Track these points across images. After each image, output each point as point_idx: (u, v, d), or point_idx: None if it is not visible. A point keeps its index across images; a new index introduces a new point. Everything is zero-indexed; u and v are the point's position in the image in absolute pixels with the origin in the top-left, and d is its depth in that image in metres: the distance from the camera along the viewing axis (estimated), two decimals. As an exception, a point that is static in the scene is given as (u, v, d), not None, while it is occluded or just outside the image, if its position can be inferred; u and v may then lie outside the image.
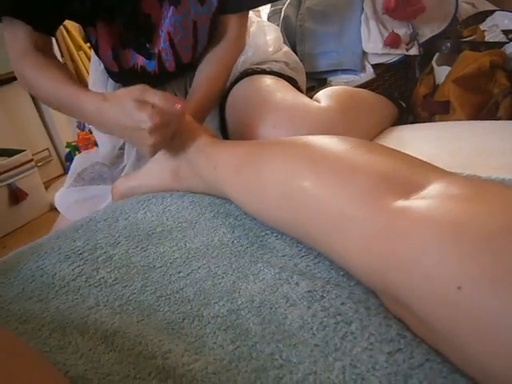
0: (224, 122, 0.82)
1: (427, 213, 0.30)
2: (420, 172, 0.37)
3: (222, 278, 0.41)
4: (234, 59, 0.81)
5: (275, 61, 0.83)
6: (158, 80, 0.82)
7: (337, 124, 0.67)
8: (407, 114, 0.87)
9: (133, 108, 0.55)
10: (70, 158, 2.22)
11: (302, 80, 0.87)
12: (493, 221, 0.27)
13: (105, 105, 0.59)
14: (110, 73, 0.86)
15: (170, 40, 0.76)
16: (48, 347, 0.34)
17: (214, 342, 0.33)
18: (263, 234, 0.48)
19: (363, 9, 1.00)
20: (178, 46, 0.77)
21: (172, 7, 0.72)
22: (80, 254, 0.48)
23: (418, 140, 0.66)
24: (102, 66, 0.86)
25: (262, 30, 0.85)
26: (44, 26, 0.69)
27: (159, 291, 0.40)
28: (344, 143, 0.43)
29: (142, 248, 0.48)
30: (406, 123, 0.83)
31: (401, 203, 0.33)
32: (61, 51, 2.13)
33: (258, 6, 0.84)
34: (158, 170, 0.65)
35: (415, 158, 0.40)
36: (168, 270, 0.43)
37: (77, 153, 2.11)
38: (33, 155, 2.01)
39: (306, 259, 0.42)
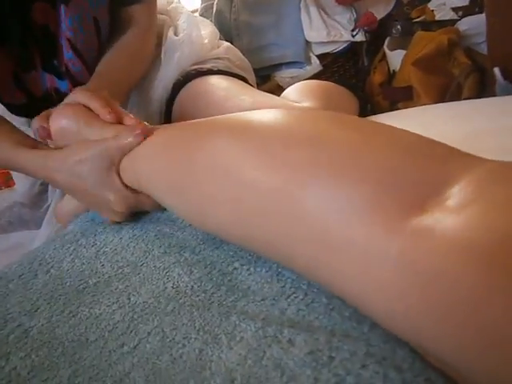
0: None
1: (459, 236, 0.20)
2: (437, 160, 0.26)
3: (184, 346, 0.29)
4: (144, 48, 0.69)
5: (218, 58, 0.72)
6: None
7: None
8: (365, 104, 0.80)
9: (100, 183, 0.45)
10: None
11: (251, 78, 0.77)
12: None
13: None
14: (13, 108, 0.71)
15: (73, 47, 0.63)
16: None
17: None
18: (231, 269, 0.37)
19: (302, -6, 0.92)
20: (83, 50, 0.64)
21: (63, 6, 0.59)
22: (-17, 333, 0.35)
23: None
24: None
25: (195, 24, 0.74)
26: None
27: (95, 382, 0.28)
28: (325, 119, 0.32)
29: (70, 312, 0.36)
30: (365, 113, 0.75)
31: (416, 221, 0.22)
32: None
33: None
34: None
35: (428, 140, 0.28)
36: (106, 343, 0.31)
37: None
38: None
39: (295, 301, 0.31)
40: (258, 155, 0.30)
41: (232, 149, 0.32)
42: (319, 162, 0.28)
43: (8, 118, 0.73)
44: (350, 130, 0.30)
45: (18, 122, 0.73)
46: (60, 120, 0.48)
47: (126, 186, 0.45)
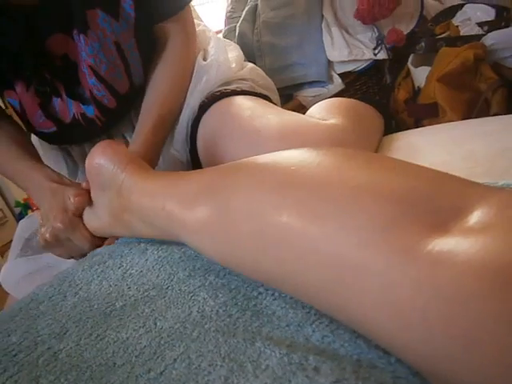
0: (195, 156, 0.70)
1: (479, 258, 0.20)
2: (455, 190, 0.26)
3: (209, 373, 0.29)
4: (186, 72, 0.70)
5: (242, 79, 0.73)
6: (104, 125, 0.70)
7: (351, 143, 0.56)
8: (389, 121, 0.79)
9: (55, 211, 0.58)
10: (22, 218, 2.02)
11: (275, 98, 0.77)
12: None
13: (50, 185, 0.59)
14: (45, 136, 0.73)
15: (96, 74, 0.64)
16: None
17: None
18: (255, 293, 0.37)
19: (323, 16, 0.93)
20: (108, 76, 0.65)
21: (82, 36, 0.60)
22: (14, 355, 0.36)
23: (425, 146, 0.57)
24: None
25: (223, 48, 0.75)
26: None
27: (122, 408, 0.28)
28: (333, 157, 0.32)
29: (98, 336, 0.36)
30: (390, 130, 0.74)
31: (438, 243, 0.22)
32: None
33: (186, 4, 0.68)
34: (98, 210, 0.55)
35: (440, 172, 0.29)
36: (133, 368, 0.31)
37: (29, 211, 1.92)
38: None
39: (320, 327, 0.31)
40: (273, 196, 0.32)
41: (253, 192, 0.34)
42: (329, 196, 0.28)
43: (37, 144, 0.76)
44: (363, 167, 0.30)
45: (49, 148, 0.76)
46: (97, 158, 0.50)
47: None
